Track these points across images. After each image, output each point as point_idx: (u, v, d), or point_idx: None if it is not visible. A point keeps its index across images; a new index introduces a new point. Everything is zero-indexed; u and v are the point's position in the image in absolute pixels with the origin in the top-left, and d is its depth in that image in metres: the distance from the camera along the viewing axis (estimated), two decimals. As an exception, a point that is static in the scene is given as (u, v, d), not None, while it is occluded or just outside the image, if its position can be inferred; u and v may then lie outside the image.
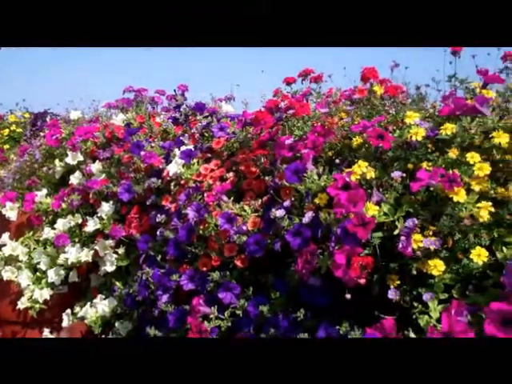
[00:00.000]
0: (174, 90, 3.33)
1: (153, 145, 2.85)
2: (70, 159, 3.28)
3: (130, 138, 2.92)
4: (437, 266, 1.68)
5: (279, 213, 1.93)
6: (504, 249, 1.69)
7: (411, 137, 1.82)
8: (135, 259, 2.83)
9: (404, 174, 1.78)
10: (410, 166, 1.84)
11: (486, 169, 1.67)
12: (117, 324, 2.77)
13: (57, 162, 3.44)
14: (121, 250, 2.86)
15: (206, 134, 2.80)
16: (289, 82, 2.70)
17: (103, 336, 2.82)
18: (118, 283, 2.85)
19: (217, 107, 3.06)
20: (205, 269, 2.26)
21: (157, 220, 2.55)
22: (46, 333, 3.18)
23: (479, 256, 1.64)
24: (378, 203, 1.77)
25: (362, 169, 1.81)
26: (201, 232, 2.31)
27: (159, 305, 2.31)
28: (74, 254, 2.97)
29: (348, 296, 1.76)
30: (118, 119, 3.27)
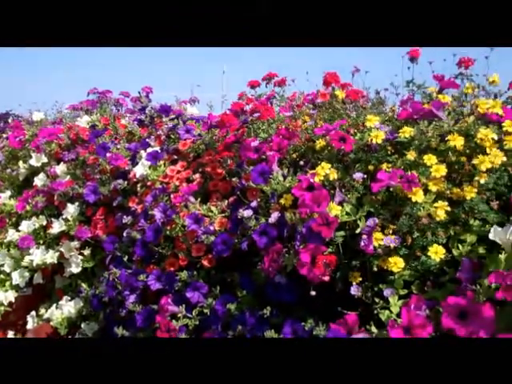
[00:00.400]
0: (139, 92, 3.36)
1: (118, 146, 2.88)
2: (34, 161, 3.28)
3: (96, 140, 2.94)
4: (396, 263, 1.76)
5: (247, 213, 1.98)
6: (460, 246, 1.78)
7: (371, 140, 1.90)
8: (101, 260, 2.86)
9: (365, 176, 1.86)
10: (370, 167, 1.91)
11: (442, 170, 1.76)
12: (83, 325, 2.79)
13: (20, 163, 3.43)
14: (86, 252, 2.88)
15: (172, 136, 2.84)
16: (253, 85, 2.76)
17: (69, 337, 2.83)
18: (83, 284, 2.87)
19: (182, 109, 3.09)
20: (172, 269, 2.30)
21: (123, 221, 2.58)
22: (11, 335, 3.17)
23: (436, 253, 1.72)
24: (341, 203, 1.84)
25: (325, 170, 1.88)
26: (168, 232, 2.35)
27: (127, 305, 2.34)
28: (39, 255, 2.97)
29: (313, 293, 1.82)
30: (83, 121, 3.28)
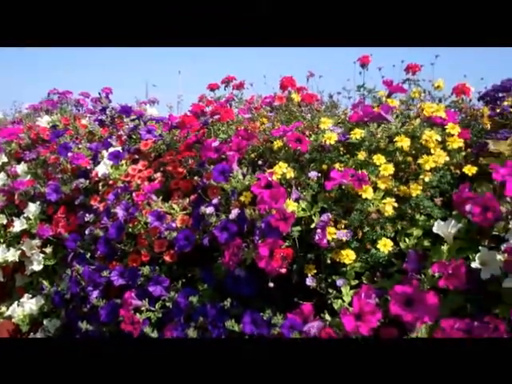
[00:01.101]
0: (99, 93, 3.41)
1: (80, 146, 2.93)
2: (-6, 161, 3.29)
3: (57, 140, 2.98)
4: (348, 256, 1.89)
5: (208, 210, 2.08)
6: (406, 239, 1.91)
7: (325, 141, 2.02)
8: (62, 258, 2.90)
9: (319, 174, 1.98)
10: (324, 166, 2.04)
11: (390, 169, 1.89)
12: (45, 322, 2.83)
13: (-20, 163, 3.43)
14: (48, 250, 2.92)
15: (134, 136, 2.91)
16: (212, 88, 2.86)
17: (31, 334, 2.87)
18: (45, 282, 2.91)
19: (142, 110, 3.17)
20: (135, 264, 2.37)
21: (85, 219, 2.65)
22: (-29, 333, 3.17)
23: (385, 246, 1.86)
24: (297, 200, 1.96)
25: (283, 169, 1.99)
26: (130, 230, 2.43)
27: (91, 300, 2.41)
28: (0, 254, 2.99)
29: (271, 284, 1.93)
30: (44, 121, 3.31)
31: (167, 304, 2.22)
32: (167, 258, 2.30)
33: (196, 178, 2.31)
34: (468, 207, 1.67)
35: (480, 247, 1.68)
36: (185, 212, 2.32)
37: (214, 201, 2.14)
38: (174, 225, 2.26)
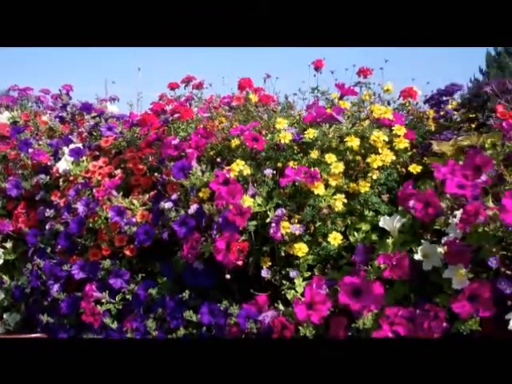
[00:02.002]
0: (60, 90, 3.44)
1: (40, 142, 2.97)
2: (-48, 156, 3.28)
3: (18, 136, 3.01)
4: (301, 249, 1.99)
5: (167, 205, 2.16)
6: (355, 233, 2.03)
7: (280, 140, 2.13)
8: (22, 253, 2.93)
9: (274, 172, 2.08)
10: (279, 164, 2.14)
11: (340, 167, 2.01)
12: (5, 316, 2.86)
13: None
14: (8, 245, 2.94)
15: (95, 133, 2.95)
16: (172, 87, 2.93)
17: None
18: (5, 277, 2.93)
19: (103, 107, 3.21)
20: (95, 259, 2.43)
21: (46, 214, 2.69)
22: None
23: (335, 239, 1.97)
24: (253, 196, 2.05)
25: (240, 167, 2.09)
26: (91, 225, 2.48)
27: (51, 293, 2.45)
28: (-41, 249, 2.99)
29: (228, 276, 2.02)
30: (3, 117, 3.32)
31: (127, 296, 2.29)
32: (127, 252, 2.36)
33: (156, 174, 2.38)
34: (411, 203, 1.79)
35: (422, 241, 1.81)
36: (145, 207, 2.39)
37: (173, 196, 2.22)
38: (134, 220, 2.32)
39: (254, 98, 2.47)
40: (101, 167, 2.73)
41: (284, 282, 2.01)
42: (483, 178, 1.74)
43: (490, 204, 1.67)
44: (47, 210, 2.71)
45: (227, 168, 2.12)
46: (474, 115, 2.21)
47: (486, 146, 1.93)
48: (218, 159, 2.28)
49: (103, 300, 2.28)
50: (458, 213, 1.67)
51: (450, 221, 1.74)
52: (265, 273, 2.02)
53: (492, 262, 1.58)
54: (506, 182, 1.78)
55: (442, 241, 1.75)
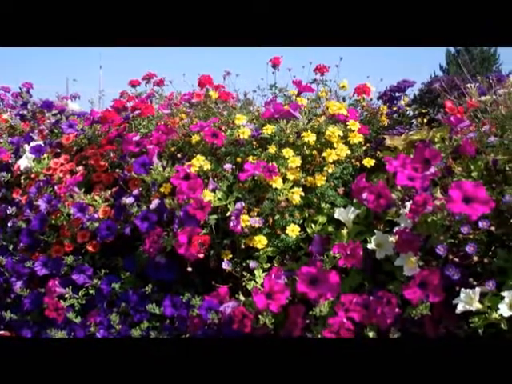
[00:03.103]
0: (20, 88, 3.43)
1: (1, 140, 2.96)
2: None
3: (-23, 134, 3.00)
4: (261, 241, 2.06)
5: (129, 200, 2.20)
6: (313, 225, 2.10)
7: (239, 135, 2.18)
8: (-18, 252, 2.92)
9: (234, 166, 2.14)
10: (239, 159, 2.19)
11: (297, 162, 2.08)
12: (-37, 314, 2.84)
13: None
14: (-32, 243, 2.92)
15: (56, 131, 2.96)
16: (133, 84, 2.95)
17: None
18: (-36, 275, 2.91)
19: (64, 105, 3.22)
20: (58, 255, 2.44)
21: (8, 212, 2.69)
22: None
23: (293, 231, 2.04)
24: (214, 190, 2.11)
25: (200, 162, 2.14)
26: (53, 221, 2.49)
27: (14, 290, 2.46)
28: None
29: (189, 269, 2.07)
30: (-37, 115, 3.29)
31: (91, 291, 2.32)
32: (90, 248, 2.39)
33: (117, 170, 2.41)
34: (364, 195, 1.87)
35: (376, 231, 1.89)
36: (107, 203, 2.42)
37: (135, 192, 2.26)
38: (96, 216, 2.35)
39: (214, 94, 2.52)
40: (62, 164, 2.74)
41: (245, 273, 2.07)
42: (432, 170, 1.83)
43: (439, 195, 1.76)
44: (9, 207, 2.71)
45: (188, 163, 2.16)
46: (425, 110, 2.31)
47: (436, 139, 2.03)
48: (179, 155, 2.33)
49: (66, 295, 2.29)
50: (409, 203, 1.75)
51: (401, 211, 1.82)
52: (225, 265, 2.07)
53: (440, 250, 1.66)
54: (454, 174, 1.87)
55: (394, 230, 1.82)
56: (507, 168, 1.73)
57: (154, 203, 2.15)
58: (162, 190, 2.18)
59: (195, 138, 2.27)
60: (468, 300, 1.61)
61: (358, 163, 2.17)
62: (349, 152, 2.12)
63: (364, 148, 2.20)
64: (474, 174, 1.87)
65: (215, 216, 2.08)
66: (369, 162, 2.12)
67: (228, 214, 2.04)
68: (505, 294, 1.56)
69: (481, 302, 1.60)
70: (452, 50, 23.25)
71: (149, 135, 2.44)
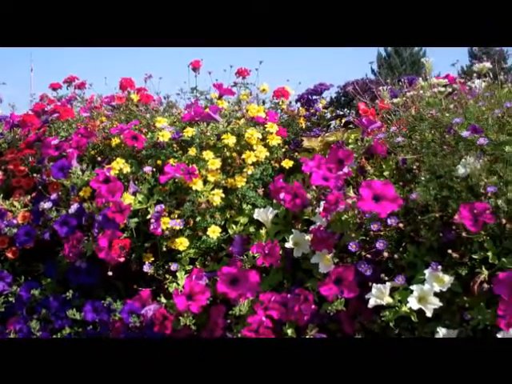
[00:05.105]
0: None
1: None
2: None
3: None
4: (182, 243, 2.07)
5: (47, 205, 2.16)
6: (234, 226, 2.13)
7: (159, 138, 2.19)
8: None
9: (154, 169, 2.14)
10: (159, 162, 2.19)
11: (217, 164, 2.10)
12: None
13: None
14: None
15: (-27, 136, 2.87)
16: (54, 87, 2.91)
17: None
18: None
19: (-16, 109, 3.13)
20: (-26, 263, 2.38)
21: None
22: None
23: (214, 232, 2.06)
24: (134, 193, 2.10)
25: (120, 165, 2.13)
26: (-32, 229, 2.42)
27: None
28: None
29: (110, 273, 2.05)
30: None
31: (10, 299, 2.27)
32: (9, 255, 2.34)
33: (36, 175, 2.37)
34: (281, 195, 1.92)
35: (293, 230, 1.94)
36: (26, 209, 2.37)
37: (53, 196, 2.23)
38: (15, 221, 2.30)
39: (135, 97, 2.51)
40: (-20, 169, 2.66)
41: (167, 276, 2.07)
42: (345, 170, 1.90)
43: (351, 194, 1.82)
44: None
45: (108, 166, 2.15)
46: (342, 112, 2.38)
47: (350, 141, 2.09)
48: (100, 158, 2.31)
49: (-16, 304, 2.24)
50: (323, 203, 1.81)
51: (316, 210, 1.87)
52: (147, 268, 2.07)
53: (352, 247, 1.72)
54: (367, 174, 1.94)
55: (310, 229, 1.87)
56: (414, 167, 1.81)
57: (73, 207, 2.12)
58: (81, 193, 2.16)
59: (115, 141, 2.26)
60: (379, 295, 1.67)
61: (277, 164, 2.21)
62: (268, 154, 2.16)
63: (283, 150, 2.25)
64: (385, 174, 1.94)
65: (136, 219, 2.08)
66: (287, 163, 2.17)
67: (149, 216, 2.05)
68: (413, 287, 1.63)
69: (392, 296, 1.67)
70: (383, 53, 23.95)
71: (69, 138, 2.41)
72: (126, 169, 2.13)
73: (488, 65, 2.13)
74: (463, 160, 1.68)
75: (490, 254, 1.60)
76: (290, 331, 1.82)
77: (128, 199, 2.05)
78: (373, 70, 22.37)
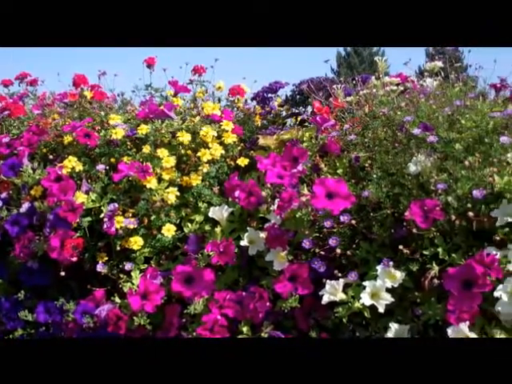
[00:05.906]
0: None
1: None
2: None
3: None
4: (137, 242, 2.04)
5: (-4, 204, 2.12)
6: (190, 225, 2.11)
7: (112, 136, 2.16)
8: None
9: (107, 167, 2.11)
10: (113, 160, 2.16)
11: (172, 162, 2.08)
12: None
13: None
14: None
15: None
16: (6, 84, 2.85)
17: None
18: None
19: None
20: None
21: None
22: None
23: (169, 231, 2.04)
24: (87, 192, 2.07)
25: (72, 163, 2.09)
26: None
27: None
28: None
29: (63, 273, 2.02)
30: None
31: (-42, 302, 2.21)
32: (-43, 257, 2.28)
33: (-14, 174, 2.32)
34: (236, 193, 1.92)
35: (248, 228, 1.94)
36: (-24, 208, 2.31)
37: (3, 195, 2.18)
38: (-36, 222, 2.24)
39: (89, 94, 2.47)
40: None
41: (121, 275, 2.04)
42: (300, 168, 1.91)
43: (305, 191, 1.83)
44: None
45: (60, 165, 2.11)
46: (297, 111, 2.39)
47: (305, 138, 2.11)
48: (52, 156, 2.27)
49: None
50: (277, 201, 1.81)
51: (271, 208, 1.88)
52: (100, 267, 2.04)
53: (306, 244, 1.73)
54: (321, 171, 1.95)
55: (265, 227, 1.88)
56: (367, 165, 1.83)
57: (24, 206, 2.08)
58: (32, 192, 2.12)
59: (67, 139, 2.22)
60: (333, 291, 1.68)
61: (232, 162, 2.21)
62: (224, 152, 2.15)
63: (239, 148, 2.25)
64: (339, 171, 1.96)
65: (89, 218, 2.05)
66: (243, 162, 2.17)
67: (102, 215, 2.02)
68: (366, 283, 1.65)
69: (345, 292, 1.69)
70: (342, 52, 24.21)
71: (20, 136, 2.36)
72: (79, 167, 2.09)
73: (439, 64, 2.17)
74: (414, 158, 1.71)
75: (440, 249, 1.62)
76: (245, 329, 1.82)
77: (81, 198, 2.02)
78: (332, 69, 22.61)
